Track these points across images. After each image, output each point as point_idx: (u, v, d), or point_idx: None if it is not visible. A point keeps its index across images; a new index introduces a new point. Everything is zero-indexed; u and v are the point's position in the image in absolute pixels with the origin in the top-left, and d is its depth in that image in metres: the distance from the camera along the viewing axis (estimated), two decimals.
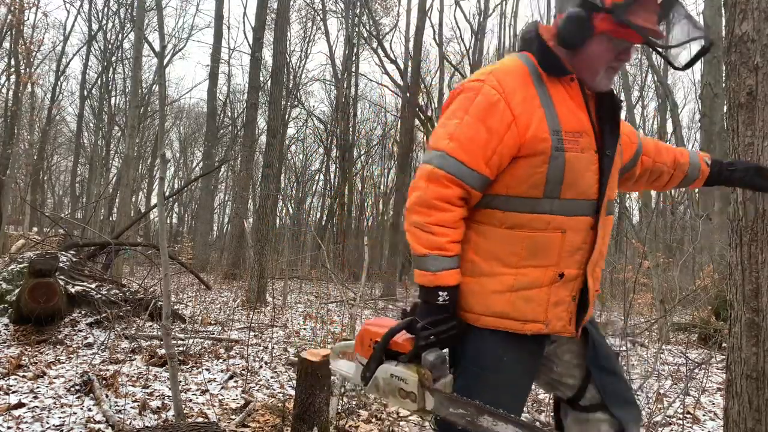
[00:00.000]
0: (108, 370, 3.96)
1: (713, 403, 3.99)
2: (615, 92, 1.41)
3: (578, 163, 1.30)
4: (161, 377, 3.91)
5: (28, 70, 20.11)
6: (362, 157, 28.67)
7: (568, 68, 1.35)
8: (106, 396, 3.33)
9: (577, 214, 1.33)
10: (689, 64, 1.34)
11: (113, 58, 23.29)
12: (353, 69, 21.69)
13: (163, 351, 4.25)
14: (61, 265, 5.83)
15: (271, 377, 4.18)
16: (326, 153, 25.19)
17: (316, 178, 29.84)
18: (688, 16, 1.32)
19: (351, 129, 21.98)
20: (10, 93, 19.68)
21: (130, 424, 2.91)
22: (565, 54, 1.35)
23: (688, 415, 3.54)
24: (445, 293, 1.29)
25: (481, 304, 1.34)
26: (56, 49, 23.75)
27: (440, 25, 20.12)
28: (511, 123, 1.28)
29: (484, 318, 1.34)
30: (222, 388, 3.78)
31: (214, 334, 5.72)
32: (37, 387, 3.49)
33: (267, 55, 17.32)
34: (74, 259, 6.72)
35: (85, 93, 23.25)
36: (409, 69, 17.14)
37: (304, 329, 6.68)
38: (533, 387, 1.53)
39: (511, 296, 1.32)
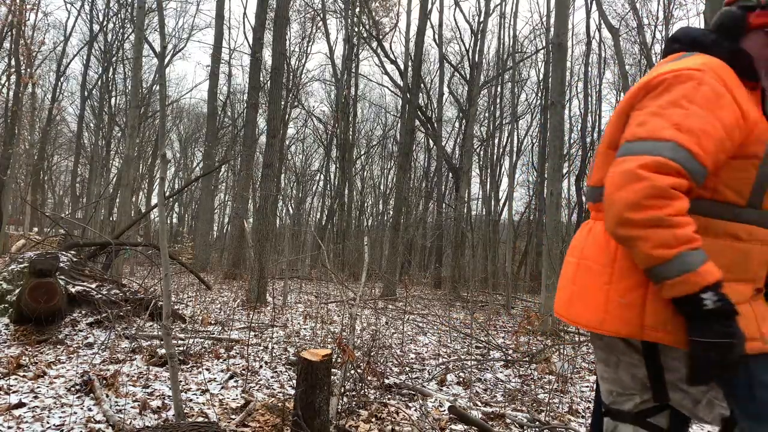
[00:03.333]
0: (108, 369, 3.96)
1: None
2: None
3: None
4: (161, 377, 3.92)
5: (28, 70, 20.13)
6: (362, 157, 28.76)
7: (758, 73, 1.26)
8: (107, 396, 3.33)
9: None
10: None
11: (114, 59, 23.31)
12: (353, 69, 21.69)
13: (163, 351, 4.26)
14: (61, 265, 5.83)
15: (271, 377, 4.18)
16: (326, 153, 25.22)
17: (316, 178, 29.95)
18: None
19: (351, 129, 21.99)
20: (11, 93, 19.69)
21: (130, 423, 2.91)
22: None
23: None
24: (711, 293, 1.09)
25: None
26: (57, 49, 23.81)
27: (440, 25, 20.16)
28: (738, 118, 1.17)
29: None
30: (222, 387, 3.79)
31: (214, 334, 5.72)
32: (38, 387, 3.49)
33: (267, 55, 17.34)
34: (74, 259, 6.72)
35: (86, 93, 23.26)
36: (409, 69, 17.14)
37: (304, 329, 6.68)
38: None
39: None
